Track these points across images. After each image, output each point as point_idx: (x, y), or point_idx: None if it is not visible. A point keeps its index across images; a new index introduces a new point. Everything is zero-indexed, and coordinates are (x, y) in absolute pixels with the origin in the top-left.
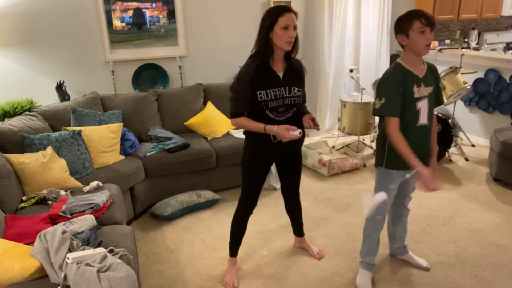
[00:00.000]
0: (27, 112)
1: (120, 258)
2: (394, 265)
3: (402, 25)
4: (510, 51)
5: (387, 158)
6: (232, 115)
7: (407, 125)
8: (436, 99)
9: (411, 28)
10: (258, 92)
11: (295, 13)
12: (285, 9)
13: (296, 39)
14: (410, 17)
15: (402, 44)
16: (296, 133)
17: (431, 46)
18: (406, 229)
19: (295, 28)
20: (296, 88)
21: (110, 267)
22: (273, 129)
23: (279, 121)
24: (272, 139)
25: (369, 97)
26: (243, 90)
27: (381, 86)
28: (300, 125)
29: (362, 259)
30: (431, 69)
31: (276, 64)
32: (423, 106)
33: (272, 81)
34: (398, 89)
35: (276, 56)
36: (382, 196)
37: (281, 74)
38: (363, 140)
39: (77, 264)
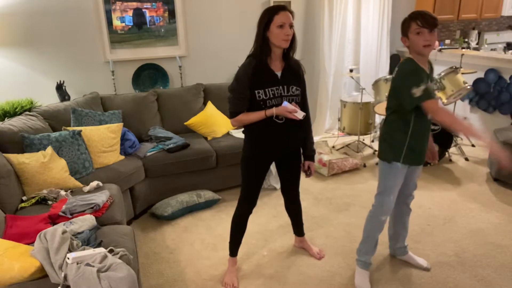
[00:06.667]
0: (27, 112)
1: (120, 258)
2: (394, 265)
3: (403, 27)
4: (510, 51)
5: (405, 154)
6: (232, 114)
7: (421, 119)
8: None
9: (409, 30)
10: (256, 91)
11: (291, 12)
12: (280, 8)
13: (294, 38)
14: (409, 19)
15: (406, 45)
16: (299, 114)
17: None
18: (407, 229)
19: (291, 26)
20: (295, 87)
21: (110, 267)
22: (272, 111)
23: (278, 120)
24: (279, 120)
25: (369, 97)
26: (242, 89)
27: (412, 74)
28: (299, 126)
29: (359, 258)
30: (431, 68)
31: (274, 63)
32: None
33: (270, 80)
34: (424, 77)
35: (273, 55)
36: None
37: (279, 73)
38: (363, 140)
39: (77, 264)
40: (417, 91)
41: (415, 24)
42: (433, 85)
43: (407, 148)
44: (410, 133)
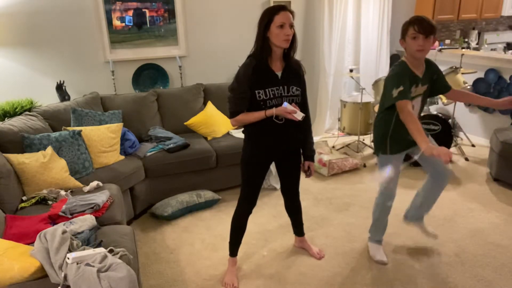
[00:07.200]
0: (27, 112)
1: (120, 258)
2: (394, 265)
3: (402, 30)
4: (510, 51)
5: (390, 145)
6: (232, 114)
7: (399, 121)
8: (443, 86)
9: (407, 34)
10: (256, 91)
11: (291, 12)
12: (280, 8)
13: (294, 38)
14: (408, 23)
15: (403, 47)
16: (298, 114)
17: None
18: (434, 202)
19: (291, 26)
20: (295, 88)
21: (110, 267)
22: (273, 111)
23: (277, 120)
24: (278, 121)
25: (369, 97)
26: (242, 89)
27: (395, 77)
28: (299, 126)
29: (372, 237)
30: (428, 66)
31: (274, 63)
32: (416, 103)
33: (271, 80)
34: (409, 79)
35: (274, 55)
36: (389, 171)
37: (279, 73)
38: (363, 140)
39: (77, 264)
40: (395, 92)
41: (412, 28)
42: (420, 88)
43: (390, 139)
44: (392, 126)
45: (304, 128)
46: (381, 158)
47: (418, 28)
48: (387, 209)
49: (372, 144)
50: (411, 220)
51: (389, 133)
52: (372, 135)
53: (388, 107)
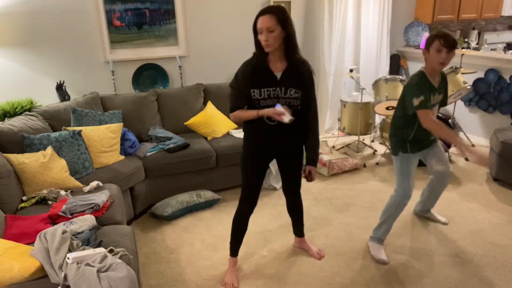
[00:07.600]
0: (27, 112)
1: (120, 258)
2: (395, 264)
3: (427, 41)
4: (510, 51)
5: (410, 146)
6: (230, 110)
7: (420, 125)
8: (441, 101)
9: (431, 46)
10: (252, 90)
11: (274, 14)
12: (260, 13)
13: (289, 38)
14: (434, 37)
15: (425, 57)
16: (286, 117)
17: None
18: (437, 198)
19: (270, 30)
20: (294, 90)
21: (110, 267)
22: (264, 112)
23: (269, 121)
24: (270, 122)
25: (369, 97)
26: (239, 87)
27: (416, 87)
28: (295, 128)
29: (376, 236)
30: (443, 78)
31: (274, 64)
32: (433, 111)
33: (268, 80)
34: (428, 89)
35: (272, 56)
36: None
37: (278, 74)
38: (363, 140)
39: (77, 264)
40: (416, 101)
41: (438, 42)
42: (437, 97)
43: (411, 140)
44: (415, 128)
45: (302, 131)
46: (400, 156)
47: (444, 42)
48: (403, 207)
49: (372, 144)
50: (419, 213)
51: (410, 136)
52: (372, 135)
53: (405, 112)
